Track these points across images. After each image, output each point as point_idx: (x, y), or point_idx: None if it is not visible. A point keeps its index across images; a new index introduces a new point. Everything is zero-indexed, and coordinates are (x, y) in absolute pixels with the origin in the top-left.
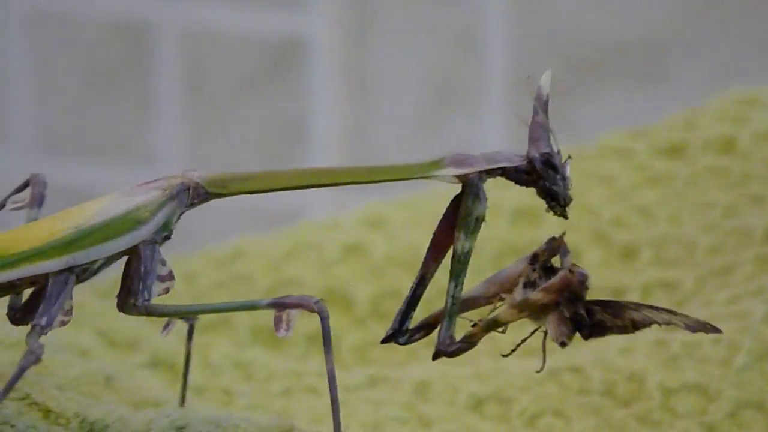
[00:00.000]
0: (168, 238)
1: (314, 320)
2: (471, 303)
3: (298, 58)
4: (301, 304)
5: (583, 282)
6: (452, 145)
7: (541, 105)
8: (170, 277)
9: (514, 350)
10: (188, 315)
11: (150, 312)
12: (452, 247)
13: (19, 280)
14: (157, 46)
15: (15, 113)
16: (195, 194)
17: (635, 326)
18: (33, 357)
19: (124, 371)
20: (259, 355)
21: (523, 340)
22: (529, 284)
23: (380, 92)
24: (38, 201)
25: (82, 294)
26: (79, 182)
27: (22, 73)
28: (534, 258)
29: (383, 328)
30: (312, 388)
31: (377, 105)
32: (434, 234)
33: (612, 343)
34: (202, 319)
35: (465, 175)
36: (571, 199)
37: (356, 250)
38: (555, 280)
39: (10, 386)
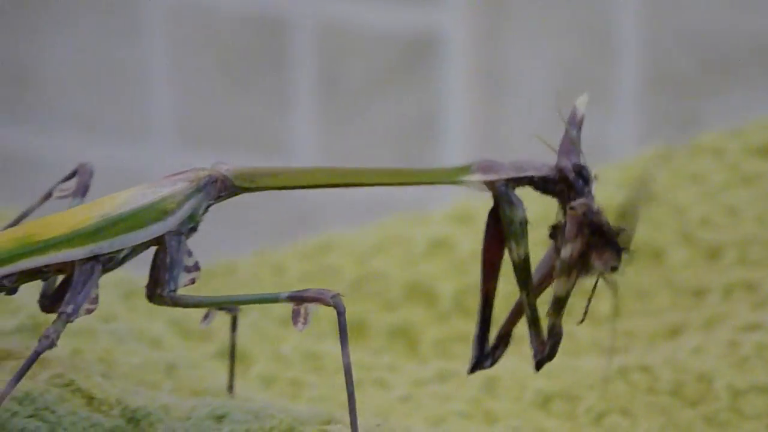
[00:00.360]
0: (194, 230)
1: (396, 315)
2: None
3: (431, 54)
4: (318, 299)
5: (587, 208)
6: (584, 143)
7: (575, 123)
8: (196, 267)
9: (585, 314)
10: (212, 306)
11: (176, 302)
12: (510, 258)
13: (46, 266)
14: (294, 40)
15: (156, 106)
16: (222, 187)
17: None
18: (47, 342)
19: (192, 361)
20: (333, 347)
21: (589, 300)
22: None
23: (512, 89)
24: (82, 190)
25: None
26: None
27: (162, 67)
28: (552, 233)
29: (465, 323)
30: (382, 381)
31: (509, 102)
32: (483, 251)
33: (684, 343)
34: (277, 312)
35: (492, 183)
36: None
37: (442, 245)
38: (567, 226)
39: (24, 371)
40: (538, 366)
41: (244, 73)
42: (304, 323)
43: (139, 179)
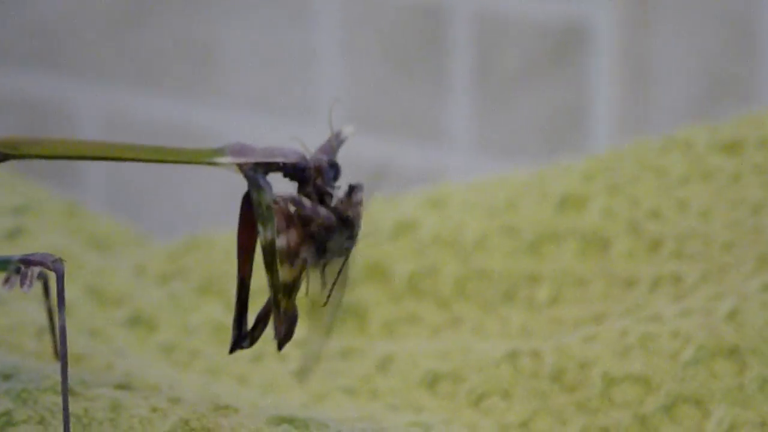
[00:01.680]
0: None
1: (353, 295)
2: None
3: (582, 44)
4: (41, 263)
5: (289, 203)
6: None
7: (338, 139)
8: None
9: (327, 298)
10: None
11: None
12: (259, 241)
13: None
14: (451, 28)
15: (324, 89)
16: None
17: None
18: None
19: (91, 328)
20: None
21: (329, 286)
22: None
23: (658, 81)
24: None
25: (76, 250)
26: (379, 156)
27: (331, 51)
28: None
29: (419, 305)
30: (284, 355)
31: (655, 93)
32: (237, 235)
33: (579, 332)
34: (198, 283)
35: (242, 166)
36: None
37: (408, 227)
38: (276, 218)
39: None
40: (279, 346)
41: (405, 59)
42: (29, 285)
43: None
